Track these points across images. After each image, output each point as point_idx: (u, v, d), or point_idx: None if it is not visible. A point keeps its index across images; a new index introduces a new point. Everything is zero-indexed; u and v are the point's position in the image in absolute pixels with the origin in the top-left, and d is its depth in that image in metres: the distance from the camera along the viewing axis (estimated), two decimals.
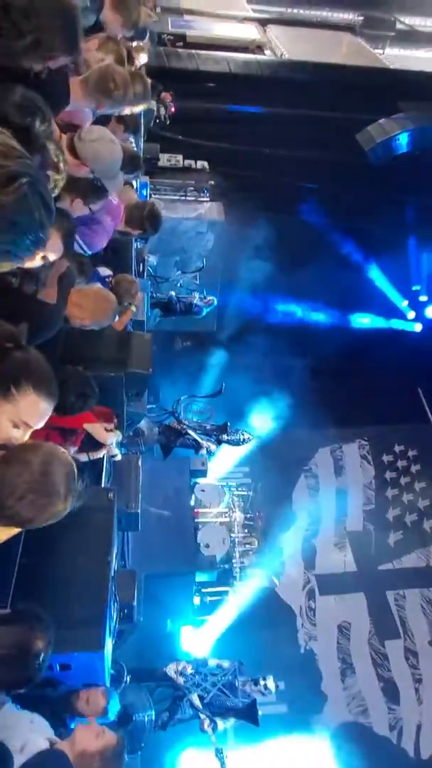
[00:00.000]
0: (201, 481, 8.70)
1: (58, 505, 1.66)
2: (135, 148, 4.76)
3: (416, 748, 8.78)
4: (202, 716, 6.33)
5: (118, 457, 4.32)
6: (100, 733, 2.32)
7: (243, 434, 8.60)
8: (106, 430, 3.73)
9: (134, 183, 5.19)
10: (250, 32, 14.19)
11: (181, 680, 6.43)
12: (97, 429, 3.62)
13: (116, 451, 4.10)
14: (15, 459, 1.65)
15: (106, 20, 3.44)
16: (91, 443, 3.67)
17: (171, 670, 6.49)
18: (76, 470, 1.75)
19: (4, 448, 1.69)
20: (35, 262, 2.31)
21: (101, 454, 3.88)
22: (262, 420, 10.03)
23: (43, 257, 2.24)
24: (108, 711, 3.35)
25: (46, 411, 1.69)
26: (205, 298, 9.44)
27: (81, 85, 2.70)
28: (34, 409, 1.65)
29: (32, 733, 2.19)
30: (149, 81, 3.80)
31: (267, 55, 13.46)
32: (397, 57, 15.66)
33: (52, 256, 2.29)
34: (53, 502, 1.64)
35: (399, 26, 16.04)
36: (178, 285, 9.81)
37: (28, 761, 2.04)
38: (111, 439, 3.77)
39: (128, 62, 3.82)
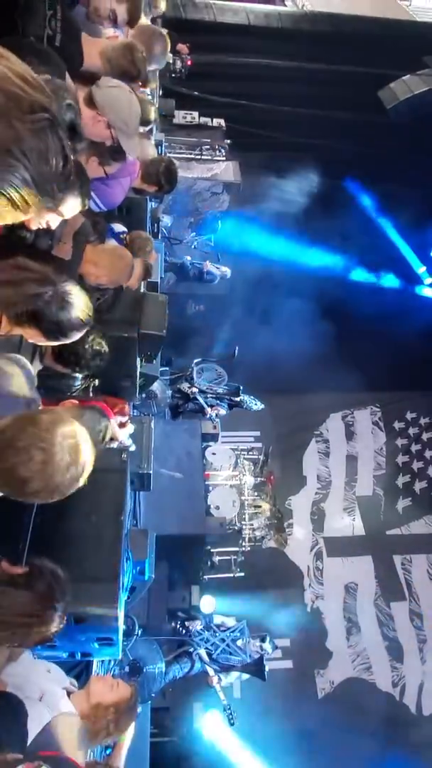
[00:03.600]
0: (212, 444, 8.76)
1: (59, 471, 1.53)
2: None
3: (418, 705, 9.05)
4: (210, 671, 6.54)
5: (133, 448, 4.19)
6: (115, 686, 2.38)
7: (255, 401, 8.63)
8: (120, 425, 3.68)
9: (152, 139, 5.06)
10: None
11: (189, 636, 6.62)
12: (111, 426, 3.53)
13: (130, 442, 4.02)
14: (23, 417, 1.59)
15: None
16: None
17: (180, 626, 6.67)
18: (84, 446, 1.63)
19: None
20: (53, 222, 2.26)
21: (113, 444, 3.81)
22: (275, 385, 10.02)
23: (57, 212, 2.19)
24: None
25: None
26: (219, 267, 9.33)
27: (101, 59, 2.67)
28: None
29: (49, 683, 2.24)
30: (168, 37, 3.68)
31: (288, 7, 12.94)
32: (424, 9, 14.93)
33: (68, 215, 2.24)
34: (53, 463, 1.51)
35: None
36: (193, 247, 9.67)
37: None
38: (124, 435, 3.72)
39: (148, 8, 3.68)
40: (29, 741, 1.84)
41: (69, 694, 2.32)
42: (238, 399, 8.33)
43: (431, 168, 10.62)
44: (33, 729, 1.90)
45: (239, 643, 6.89)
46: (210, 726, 7.07)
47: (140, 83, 2.81)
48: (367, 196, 11.36)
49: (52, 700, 2.16)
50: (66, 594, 1.91)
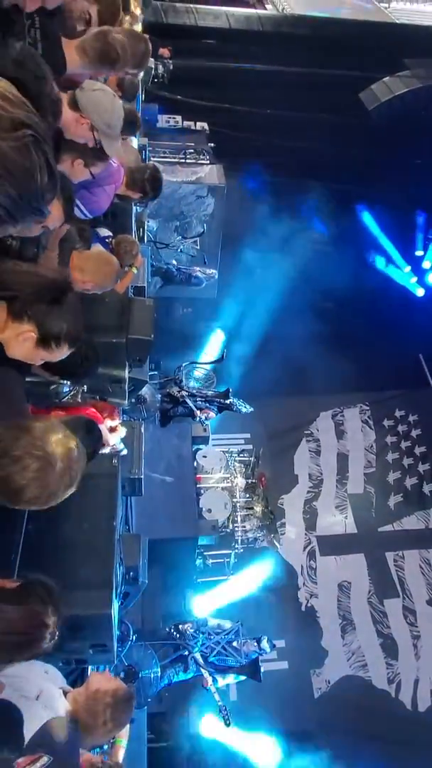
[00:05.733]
0: (202, 447, 8.77)
1: (53, 478, 1.56)
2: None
3: (413, 701, 9.09)
4: (205, 674, 6.53)
5: (124, 452, 4.17)
6: (113, 679, 2.42)
7: (244, 403, 8.64)
8: (111, 429, 3.68)
9: (135, 143, 5.08)
10: None
11: (184, 640, 6.60)
12: (102, 429, 3.44)
13: (122, 446, 4.02)
14: (17, 426, 1.60)
15: None
16: None
17: (174, 630, 6.66)
18: (77, 453, 1.66)
19: None
20: (33, 231, 2.28)
21: (105, 450, 3.81)
22: (264, 387, 10.04)
23: (43, 226, 2.22)
24: None
25: None
26: (206, 271, 9.34)
27: (79, 54, 2.65)
28: None
29: (46, 682, 2.25)
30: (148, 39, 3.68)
31: (269, 10, 13.02)
32: (403, 11, 15.10)
33: (52, 226, 2.26)
34: (48, 471, 1.54)
35: None
36: (179, 251, 9.69)
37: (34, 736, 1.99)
38: (115, 439, 3.72)
39: (124, 11, 3.66)
40: (26, 742, 1.85)
41: (66, 693, 2.33)
42: (227, 401, 8.34)
43: (413, 167, 10.75)
44: (30, 728, 1.90)
45: (234, 644, 6.88)
46: (206, 729, 7.06)
47: (126, 71, 2.78)
48: (350, 196, 11.43)
49: (49, 699, 2.17)
50: (59, 610, 1.87)
